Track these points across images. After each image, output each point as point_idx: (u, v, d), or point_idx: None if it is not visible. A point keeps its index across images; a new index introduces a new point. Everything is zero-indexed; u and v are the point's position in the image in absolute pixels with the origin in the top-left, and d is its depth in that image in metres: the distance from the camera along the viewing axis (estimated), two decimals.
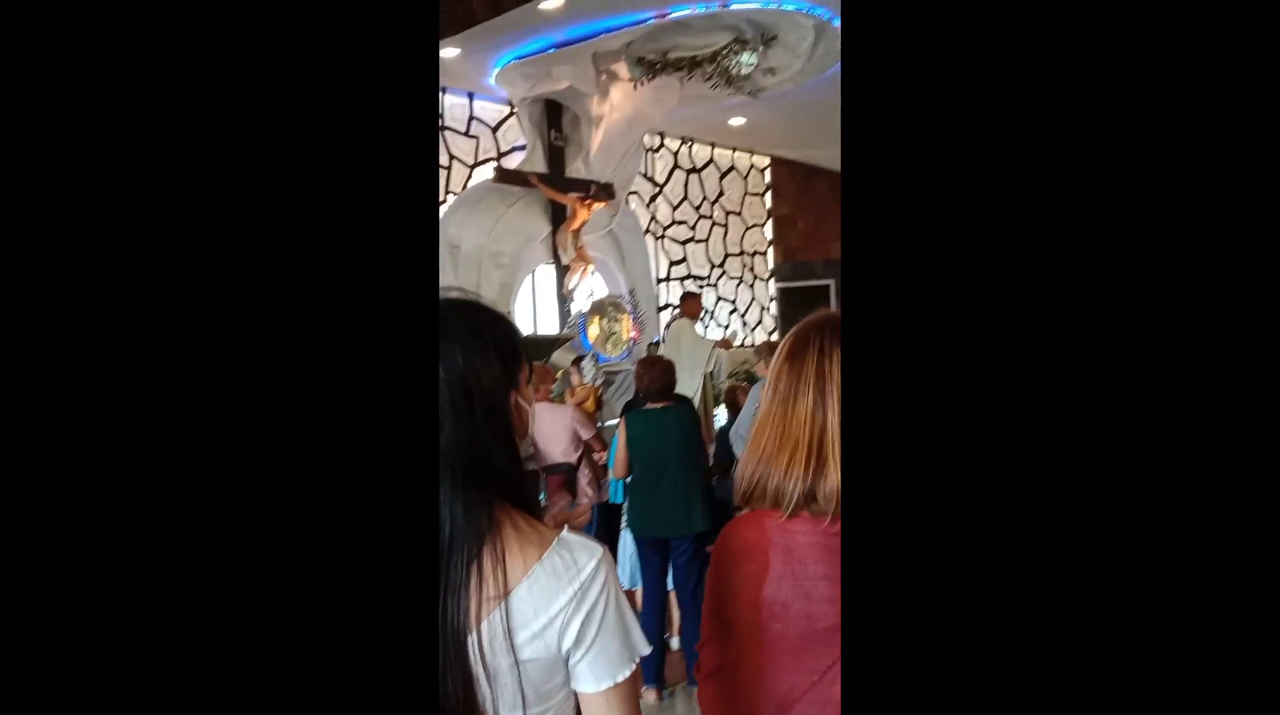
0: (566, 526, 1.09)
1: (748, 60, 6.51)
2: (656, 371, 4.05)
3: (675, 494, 3.97)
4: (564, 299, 7.37)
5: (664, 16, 6.01)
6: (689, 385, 6.42)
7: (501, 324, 1.14)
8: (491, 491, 1.05)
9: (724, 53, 6.49)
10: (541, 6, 5.23)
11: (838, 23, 6.15)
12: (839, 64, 6.59)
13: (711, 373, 6.45)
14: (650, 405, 4.09)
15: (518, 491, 1.08)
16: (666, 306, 9.01)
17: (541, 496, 4.79)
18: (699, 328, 7.47)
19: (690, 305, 7.17)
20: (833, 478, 1.17)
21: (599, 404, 5.48)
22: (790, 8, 6.01)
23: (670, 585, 4.21)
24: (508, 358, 1.11)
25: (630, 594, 4.48)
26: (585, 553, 1.05)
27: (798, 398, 1.21)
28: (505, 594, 1.01)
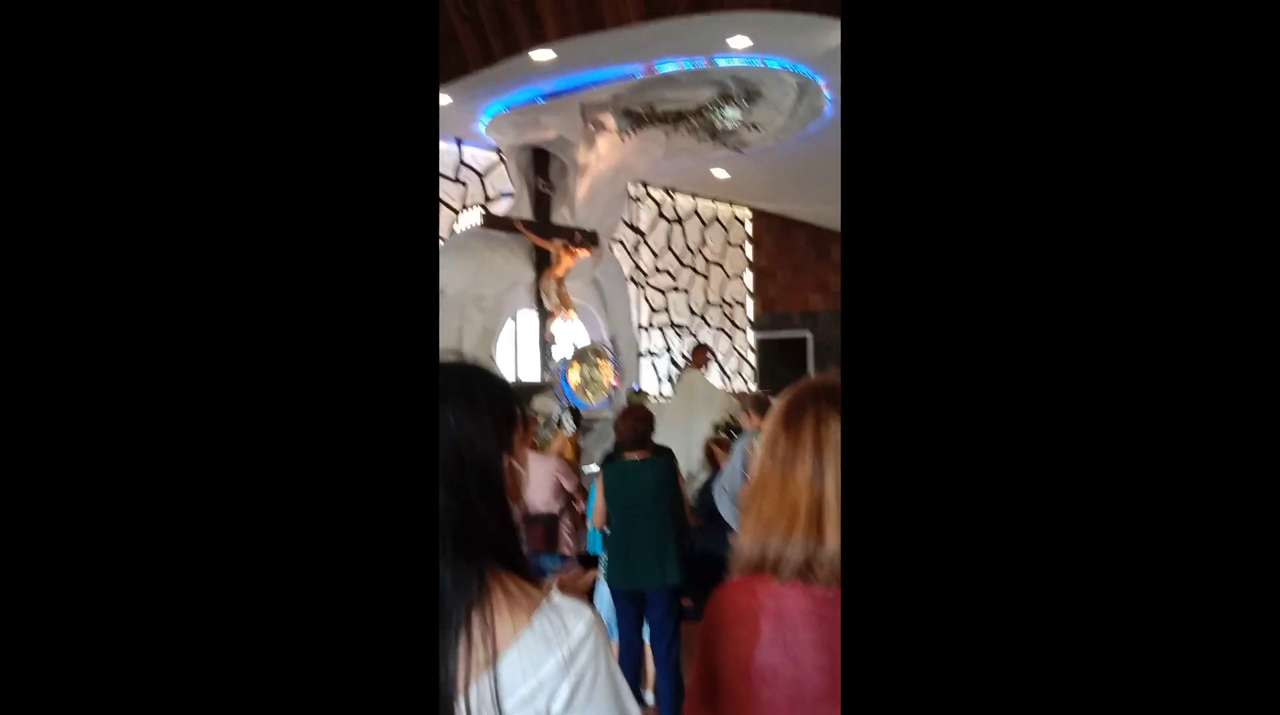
0: (557, 588, 1.09)
1: (732, 115, 6.63)
2: (632, 421, 4.02)
3: (649, 546, 3.93)
4: (546, 344, 7.38)
5: (651, 71, 6.12)
6: (701, 434, 6.41)
7: (496, 386, 1.15)
8: (482, 556, 1.05)
9: (709, 107, 6.61)
10: (532, 58, 5.31)
11: (821, 80, 6.28)
12: (820, 121, 6.72)
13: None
14: (627, 455, 4.08)
15: (510, 555, 1.08)
16: (647, 354, 9.04)
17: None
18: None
19: (699, 356, 7.26)
20: (830, 544, 1.17)
21: (577, 452, 5.46)
22: (775, 65, 6.14)
23: (646, 638, 4.16)
24: (501, 420, 1.11)
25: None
26: (575, 616, 1.05)
27: (796, 464, 1.21)
28: (494, 659, 1.00)
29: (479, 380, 1.13)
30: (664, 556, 3.92)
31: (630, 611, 4.06)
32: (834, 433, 1.21)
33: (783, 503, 1.21)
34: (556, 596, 1.06)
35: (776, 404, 1.30)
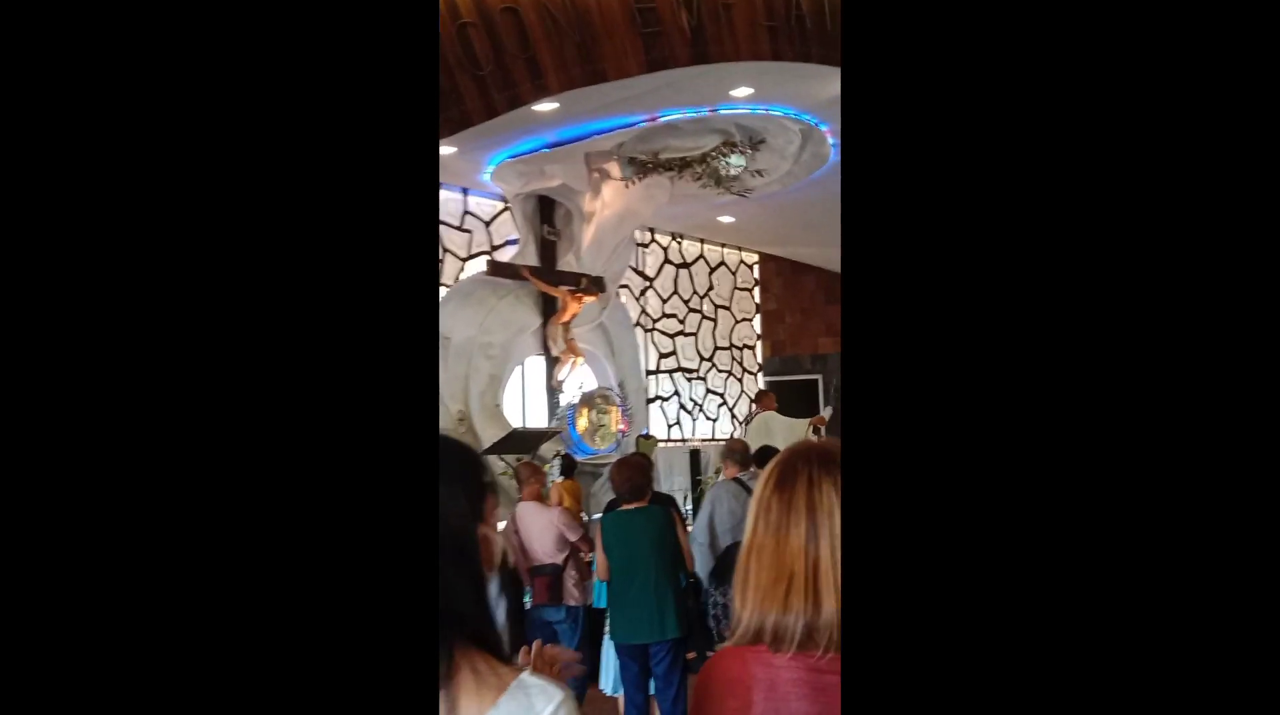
0: (529, 669, 1.06)
1: (736, 162, 6.68)
2: (628, 472, 3.97)
3: (646, 598, 3.86)
4: (553, 391, 7.38)
5: (654, 120, 6.18)
6: None
7: (466, 456, 1.14)
8: (453, 633, 1.03)
9: (713, 154, 6.66)
10: (535, 109, 5.37)
11: (824, 127, 6.33)
12: (825, 166, 6.76)
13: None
14: (625, 506, 4.03)
15: (482, 632, 1.06)
16: (656, 398, 9.02)
17: (527, 598, 4.69)
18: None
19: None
20: (827, 611, 1.15)
21: (580, 500, 5.42)
22: (778, 113, 6.20)
23: (652, 691, 4.09)
24: (473, 491, 1.10)
25: (614, 701, 4.36)
26: (543, 698, 1.02)
27: (790, 528, 1.19)
28: None
29: (448, 450, 1.12)
30: (663, 610, 3.86)
31: (633, 666, 4.00)
32: (827, 496, 1.19)
33: (778, 569, 1.19)
34: (527, 676, 1.04)
35: (768, 468, 1.29)
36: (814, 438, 6.40)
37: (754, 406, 7.85)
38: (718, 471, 6.75)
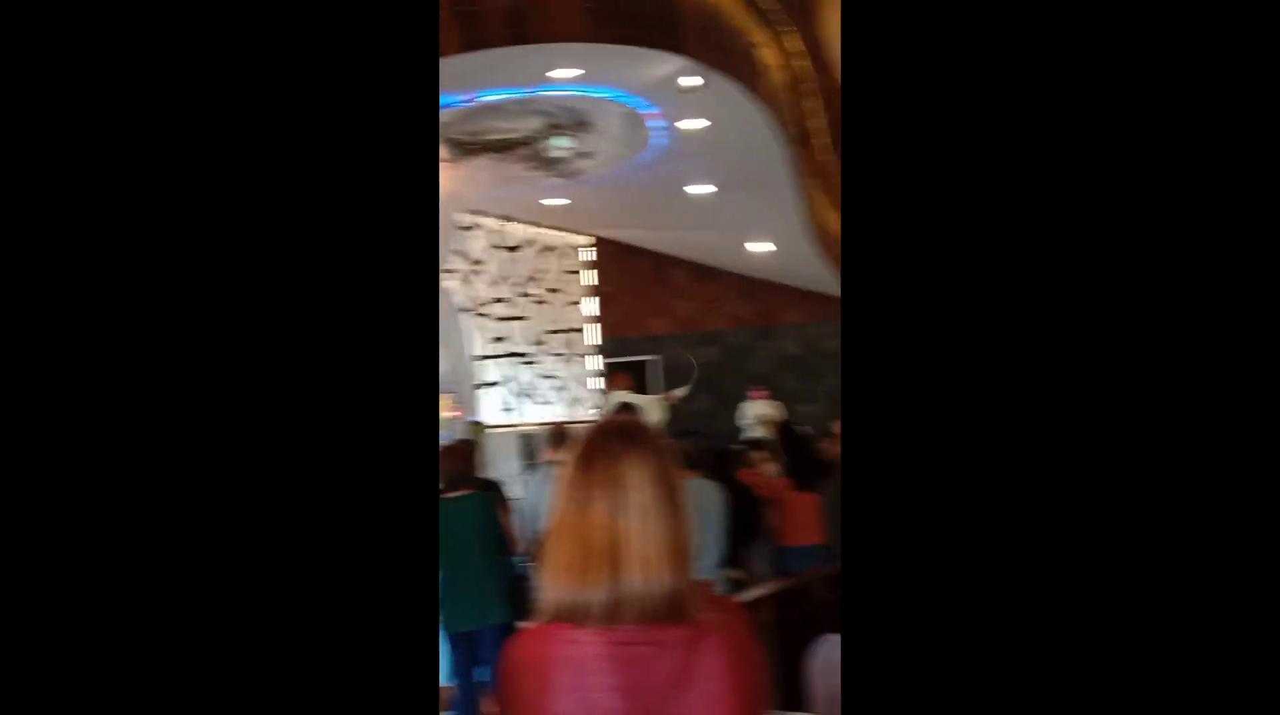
0: None
1: (561, 144, 6.67)
2: (450, 459, 3.95)
3: (472, 584, 3.89)
4: None
5: (473, 100, 6.08)
6: None
7: None
8: None
9: (538, 136, 6.63)
10: None
11: (648, 109, 6.42)
12: (654, 149, 6.86)
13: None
14: (450, 493, 4.00)
15: None
16: (488, 383, 8.92)
17: None
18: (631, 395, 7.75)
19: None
20: (629, 584, 1.16)
21: None
22: (600, 95, 6.22)
23: (487, 677, 4.08)
24: None
25: (447, 690, 4.30)
26: None
27: (591, 504, 1.19)
28: None
29: None
30: (489, 594, 3.87)
31: (459, 653, 3.98)
32: (631, 472, 1.20)
33: (580, 546, 1.19)
34: None
35: (573, 445, 1.29)
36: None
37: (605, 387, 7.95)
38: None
